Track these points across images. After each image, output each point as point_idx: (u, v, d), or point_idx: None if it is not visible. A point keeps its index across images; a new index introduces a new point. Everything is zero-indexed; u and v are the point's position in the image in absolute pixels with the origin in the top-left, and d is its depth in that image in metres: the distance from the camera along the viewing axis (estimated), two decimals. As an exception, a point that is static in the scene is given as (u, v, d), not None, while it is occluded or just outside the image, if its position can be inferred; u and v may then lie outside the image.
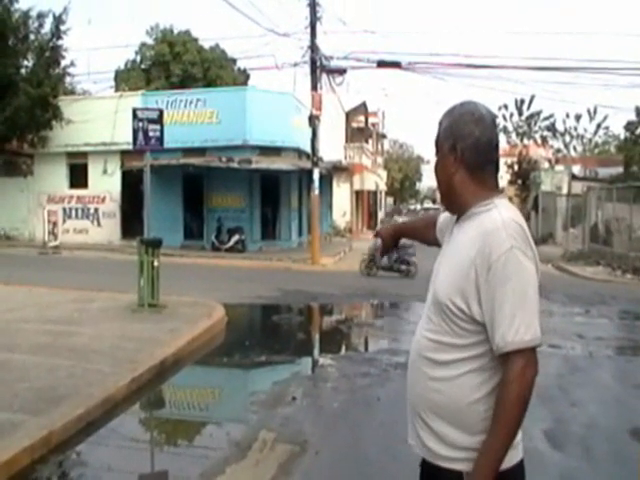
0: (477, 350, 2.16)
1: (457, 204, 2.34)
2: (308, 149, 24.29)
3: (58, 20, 26.45)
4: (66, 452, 5.56)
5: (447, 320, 2.21)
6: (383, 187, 59.18)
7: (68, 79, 30.32)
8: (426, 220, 2.92)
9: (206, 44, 40.55)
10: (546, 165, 39.63)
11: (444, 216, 2.62)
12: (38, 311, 11.16)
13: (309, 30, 23.23)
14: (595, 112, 44.53)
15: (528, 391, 2.06)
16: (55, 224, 25.88)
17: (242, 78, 40.82)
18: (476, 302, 2.14)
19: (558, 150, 45.65)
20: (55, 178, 28.40)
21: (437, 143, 2.36)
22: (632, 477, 5.43)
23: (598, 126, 46.27)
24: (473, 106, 2.32)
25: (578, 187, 30.80)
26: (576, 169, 40.02)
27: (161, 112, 12.66)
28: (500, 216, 2.16)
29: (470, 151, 2.26)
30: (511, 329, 2.05)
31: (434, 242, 2.73)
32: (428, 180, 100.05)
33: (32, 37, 26.65)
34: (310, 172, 23.45)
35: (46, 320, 10.37)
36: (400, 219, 46.20)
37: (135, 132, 12.11)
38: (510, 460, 2.16)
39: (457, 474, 2.16)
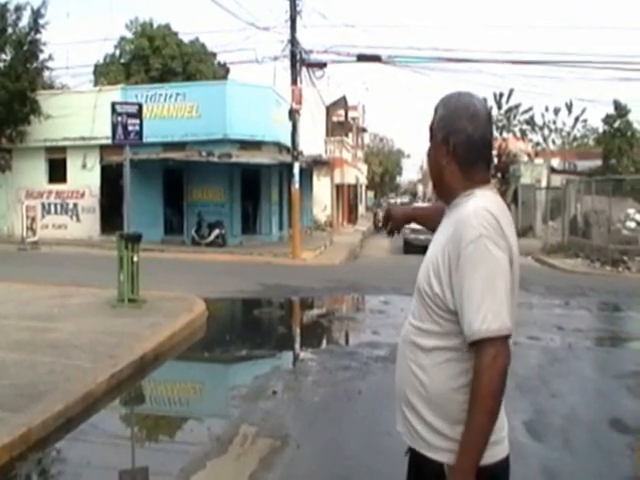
0: (455, 339, 2.15)
1: (445, 194, 2.36)
2: (288, 143, 24.26)
3: (36, 13, 26.14)
4: (45, 449, 5.52)
5: (426, 306, 2.22)
6: (364, 181, 59.29)
7: (47, 73, 30.10)
8: (438, 208, 2.88)
9: (186, 38, 40.29)
10: (525, 158, 39.74)
11: None
12: (17, 307, 11.08)
13: (289, 24, 23.16)
14: (571, 105, 44.71)
15: (500, 381, 2.04)
16: (34, 219, 25.64)
17: (222, 72, 40.62)
18: (449, 289, 2.15)
19: (537, 143, 45.79)
20: (34, 173, 28.14)
21: (431, 130, 2.37)
22: (612, 467, 5.49)
23: (576, 119, 46.44)
24: (469, 100, 2.31)
25: (557, 180, 31.00)
26: (555, 162, 40.23)
27: (140, 106, 12.61)
28: (474, 205, 2.17)
29: (462, 147, 2.26)
30: (478, 317, 2.05)
31: None
32: (408, 174, 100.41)
33: (10, 30, 26.32)
34: (290, 166, 23.41)
35: (25, 316, 10.30)
36: (380, 213, 46.30)
37: (114, 126, 12.05)
38: (495, 455, 2.17)
39: (440, 465, 2.17)
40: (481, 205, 2.16)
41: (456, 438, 2.12)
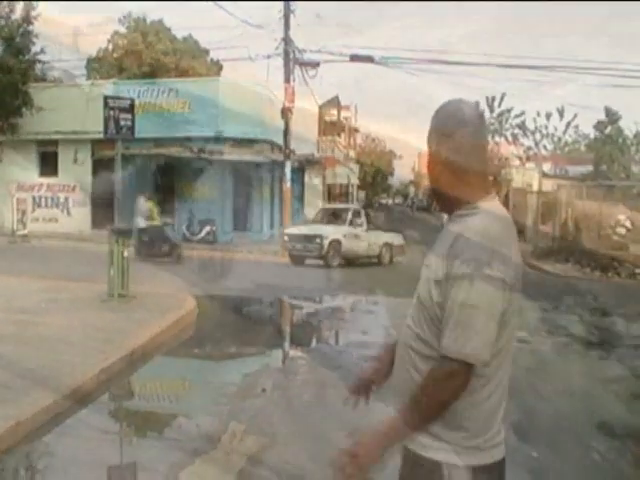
0: None
1: (445, 204, 2.34)
2: (280, 141, 24.28)
3: (29, 6, 26.11)
4: (34, 443, 5.50)
5: (427, 317, 2.21)
6: (355, 181, 59.21)
7: (39, 66, 29.98)
8: (379, 363, 2.66)
9: (179, 34, 40.27)
10: (517, 163, 39.89)
11: None
12: (6, 301, 11.02)
13: (283, 22, 23.20)
14: (563, 111, 44.84)
15: (442, 396, 2.10)
16: (24, 212, 25.56)
17: (215, 69, 40.59)
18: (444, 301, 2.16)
19: (529, 148, 45.93)
20: (25, 166, 27.99)
21: (435, 140, 2.30)
22: (597, 469, 5.52)
23: (568, 125, 46.60)
24: (457, 106, 2.30)
25: (549, 185, 31.08)
26: (546, 167, 40.34)
27: (132, 101, 12.61)
28: (474, 225, 2.15)
29: (454, 154, 2.23)
30: (451, 336, 2.09)
31: None
32: (400, 175, 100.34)
33: (2, 23, 26.28)
34: (282, 164, 23.46)
35: (15, 310, 10.24)
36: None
37: (106, 120, 12.03)
38: (493, 456, 2.21)
39: (436, 463, 2.17)
40: (482, 226, 2.15)
41: (453, 441, 2.15)
